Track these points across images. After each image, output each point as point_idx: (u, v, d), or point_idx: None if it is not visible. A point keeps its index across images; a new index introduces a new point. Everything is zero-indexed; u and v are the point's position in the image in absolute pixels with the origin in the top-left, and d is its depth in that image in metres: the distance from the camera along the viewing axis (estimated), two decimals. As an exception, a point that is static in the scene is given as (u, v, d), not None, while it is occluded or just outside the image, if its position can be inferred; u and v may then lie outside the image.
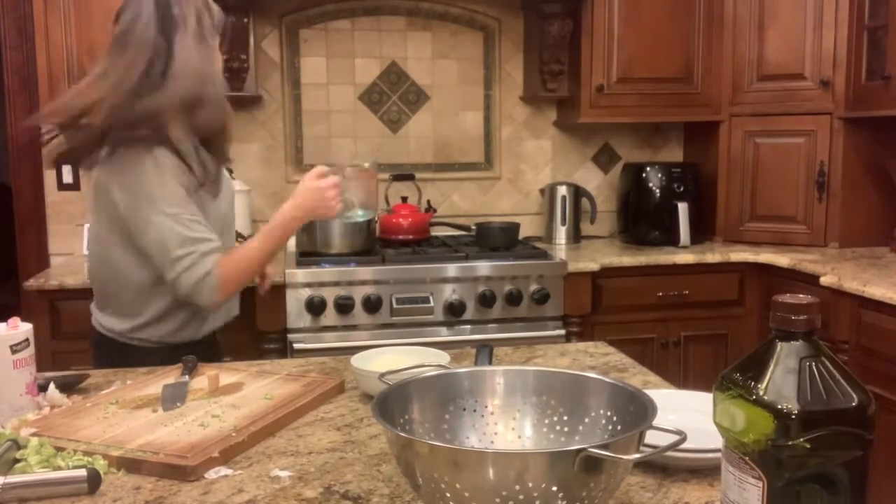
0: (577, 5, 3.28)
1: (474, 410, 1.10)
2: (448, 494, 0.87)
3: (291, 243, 3.22)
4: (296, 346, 2.74)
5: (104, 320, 1.90)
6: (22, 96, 3.30)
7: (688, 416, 1.19)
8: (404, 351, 1.57)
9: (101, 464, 1.12)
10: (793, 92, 3.26)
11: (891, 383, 2.41)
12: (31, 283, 2.76)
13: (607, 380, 1.07)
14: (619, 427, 1.02)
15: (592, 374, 1.10)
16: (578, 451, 0.83)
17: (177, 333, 1.88)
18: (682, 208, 3.32)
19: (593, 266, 2.99)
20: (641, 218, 3.44)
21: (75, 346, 2.70)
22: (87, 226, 2.53)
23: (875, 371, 2.48)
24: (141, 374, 1.61)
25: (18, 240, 3.38)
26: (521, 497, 0.84)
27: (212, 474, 1.12)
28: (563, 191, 3.47)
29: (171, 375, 1.54)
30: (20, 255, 3.36)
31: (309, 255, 2.92)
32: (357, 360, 1.50)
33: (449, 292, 2.85)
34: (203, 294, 1.75)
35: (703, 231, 3.44)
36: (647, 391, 1.01)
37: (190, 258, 1.73)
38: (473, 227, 3.23)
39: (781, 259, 3.04)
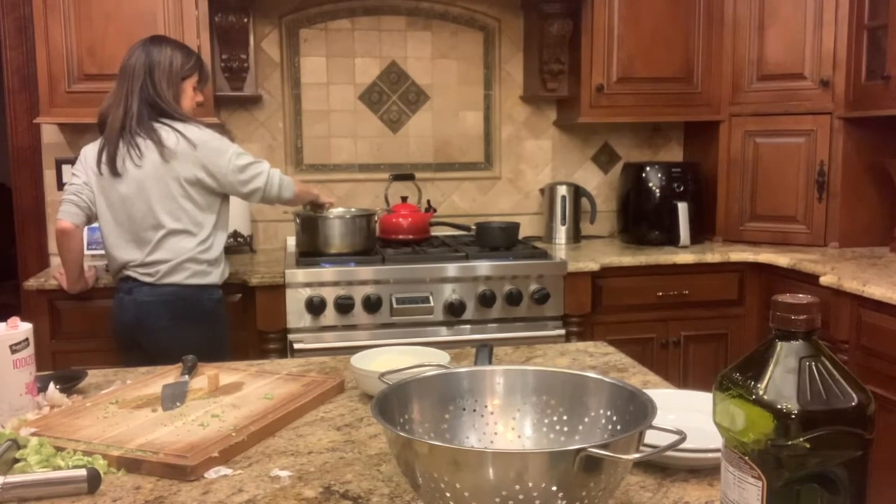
0: (577, 5, 3.28)
1: (474, 410, 1.10)
2: (448, 494, 0.86)
3: (291, 243, 3.22)
4: (296, 346, 2.74)
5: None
6: (22, 96, 3.30)
7: (688, 415, 1.19)
8: (404, 351, 1.57)
9: (100, 463, 1.12)
10: (793, 92, 3.26)
11: (891, 383, 2.41)
12: (31, 283, 2.76)
13: (607, 380, 1.07)
14: (618, 427, 1.02)
15: (592, 374, 1.10)
16: (578, 450, 0.83)
17: None
18: (682, 208, 3.32)
19: (593, 266, 2.99)
20: (641, 218, 3.44)
21: (75, 346, 2.71)
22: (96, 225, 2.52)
23: (875, 371, 2.48)
24: (141, 373, 1.62)
25: (18, 240, 3.38)
26: (521, 497, 0.84)
27: (212, 474, 1.12)
28: (563, 191, 3.47)
29: (170, 375, 1.54)
30: (20, 255, 3.36)
31: (309, 254, 2.92)
32: (357, 360, 1.50)
33: (449, 292, 2.85)
34: None
35: (702, 231, 3.44)
36: (646, 391, 1.01)
37: None
38: (473, 227, 3.23)
39: (781, 259, 3.03)
